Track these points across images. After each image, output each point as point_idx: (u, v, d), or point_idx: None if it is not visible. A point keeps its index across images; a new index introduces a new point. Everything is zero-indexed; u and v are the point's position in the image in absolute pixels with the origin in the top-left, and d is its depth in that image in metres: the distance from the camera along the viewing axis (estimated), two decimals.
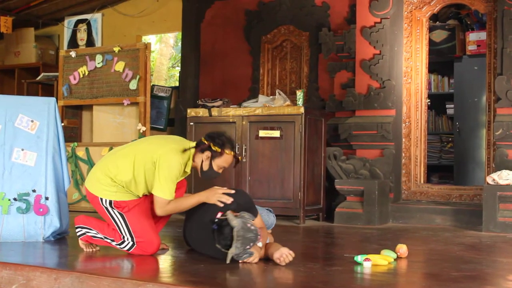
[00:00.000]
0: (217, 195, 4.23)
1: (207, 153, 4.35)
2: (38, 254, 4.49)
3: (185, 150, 4.33)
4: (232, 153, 4.40)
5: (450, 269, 3.93)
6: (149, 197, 4.44)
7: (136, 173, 4.30)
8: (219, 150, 4.33)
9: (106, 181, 4.33)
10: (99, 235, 4.48)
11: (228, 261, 3.84)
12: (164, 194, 4.21)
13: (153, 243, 4.35)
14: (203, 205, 4.30)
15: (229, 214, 3.95)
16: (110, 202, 4.34)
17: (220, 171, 4.44)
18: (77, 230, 4.53)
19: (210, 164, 4.37)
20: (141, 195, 4.40)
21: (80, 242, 4.55)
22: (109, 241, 4.46)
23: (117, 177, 4.32)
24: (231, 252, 3.84)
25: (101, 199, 4.35)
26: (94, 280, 3.44)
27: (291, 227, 6.35)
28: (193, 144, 4.40)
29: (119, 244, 4.41)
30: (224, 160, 4.37)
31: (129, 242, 4.36)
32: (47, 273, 3.61)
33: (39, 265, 3.79)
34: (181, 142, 4.44)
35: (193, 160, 4.38)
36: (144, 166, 4.28)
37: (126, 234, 4.35)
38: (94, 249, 4.54)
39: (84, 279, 3.48)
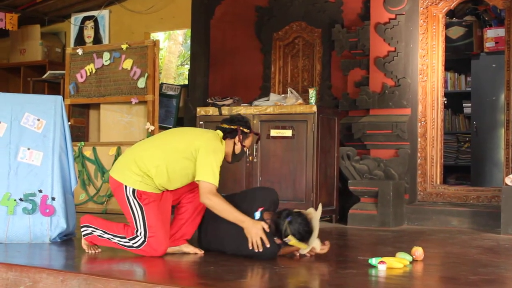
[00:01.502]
0: (258, 235, 4.16)
1: (239, 137, 4.52)
2: (44, 255, 4.46)
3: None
4: (253, 133, 4.68)
5: (467, 272, 3.89)
6: (169, 199, 4.47)
7: (170, 163, 4.31)
8: (247, 131, 4.57)
9: (134, 169, 4.32)
10: (106, 235, 4.41)
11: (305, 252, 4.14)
12: (210, 178, 4.21)
13: (162, 243, 4.30)
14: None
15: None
16: (133, 191, 4.31)
17: (245, 149, 4.66)
18: (82, 229, 4.46)
19: (242, 146, 4.56)
20: (168, 188, 4.41)
21: (83, 243, 4.49)
22: (116, 240, 4.38)
23: (147, 166, 4.32)
24: (311, 243, 4.09)
25: (125, 186, 4.32)
26: (101, 282, 3.40)
27: None
28: (221, 133, 4.54)
29: (130, 240, 4.31)
30: (250, 140, 4.62)
31: (141, 238, 4.29)
32: (54, 275, 3.58)
33: (45, 267, 3.76)
34: (212, 132, 4.57)
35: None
36: (181, 156, 4.32)
37: (140, 227, 4.28)
38: (96, 251, 4.47)
39: (92, 281, 3.44)
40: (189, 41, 12.30)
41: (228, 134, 4.51)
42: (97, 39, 9.43)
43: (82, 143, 7.95)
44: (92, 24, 9.49)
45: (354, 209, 6.59)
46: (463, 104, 8.57)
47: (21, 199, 4.88)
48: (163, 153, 4.35)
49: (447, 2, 6.88)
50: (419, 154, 6.90)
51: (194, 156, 4.30)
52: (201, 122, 7.22)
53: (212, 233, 4.48)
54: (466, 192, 6.83)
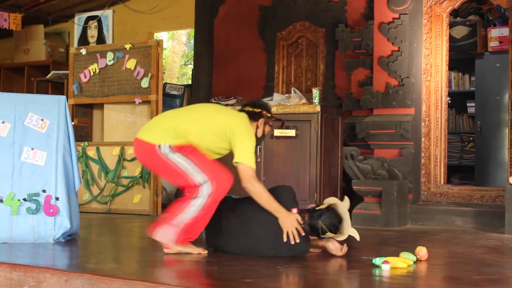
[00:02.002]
0: (293, 227, 4.18)
1: (261, 120, 4.49)
2: (48, 255, 4.43)
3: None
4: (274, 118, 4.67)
5: (471, 272, 3.86)
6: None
7: (206, 143, 4.28)
8: (270, 115, 4.55)
9: (172, 135, 4.21)
10: (179, 218, 4.18)
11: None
12: (250, 162, 4.20)
13: (228, 175, 4.22)
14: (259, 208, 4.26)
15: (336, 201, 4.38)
16: (170, 147, 4.18)
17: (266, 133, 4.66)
18: (163, 238, 4.23)
19: (263, 130, 4.55)
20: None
21: (178, 249, 4.27)
22: (191, 212, 4.17)
23: (186, 138, 4.24)
24: (347, 233, 4.27)
25: (159, 146, 4.18)
26: (105, 282, 3.38)
27: None
28: (246, 115, 4.50)
29: (200, 196, 4.13)
30: (269, 126, 4.62)
31: (205, 182, 4.13)
32: (58, 275, 3.55)
33: (49, 267, 3.73)
34: (241, 113, 4.52)
35: None
36: (217, 137, 4.29)
37: (197, 175, 4.14)
38: (202, 252, 4.28)
39: (95, 281, 3.42)
40: (192, 41, 12.32)
41: (251, 117, 4.47)
42: (101, 39, 9.40)
43: (86, 143, 7.95)
44: (96, 24, 9.47)
45: (357, 209, 6.56)
46: (467, 104, 8.54)
47: (25, 199, 4.85)
48: (199, 131, 4.28)
49: (451, 2, 6.86)
50: (423, 154, 6.87)
51: (228, 137, 4.27)
52: None
53: (238, 234, 4.34)
54: (470, 192, 6.81)
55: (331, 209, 4.34)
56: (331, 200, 4.42)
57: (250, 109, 4.50)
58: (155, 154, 4.19)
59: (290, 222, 4.16)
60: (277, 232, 4.18)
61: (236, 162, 4.23)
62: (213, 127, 4.30)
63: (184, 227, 4.19)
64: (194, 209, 4.17)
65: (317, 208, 4.37)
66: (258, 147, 6.68)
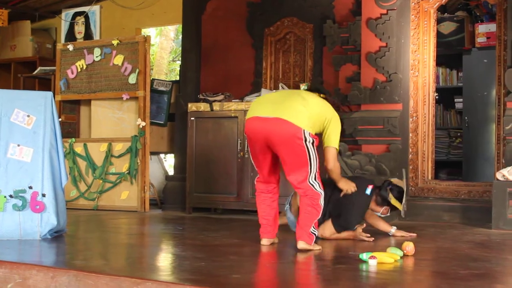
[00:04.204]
0: (350, 187, 5.07)
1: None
2: (34, 252, 4.43)
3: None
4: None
5: (458, 267, 3.88)
6: None
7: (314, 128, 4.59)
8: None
9: (302, 116, 4.47)
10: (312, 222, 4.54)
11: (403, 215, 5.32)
12: (337, 146, 4.79)
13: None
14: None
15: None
16: (309, 134, 4.46)
17: None
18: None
19: None
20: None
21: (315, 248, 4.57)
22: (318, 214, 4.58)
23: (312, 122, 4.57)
24: (404, 203, 5.23)
25: (304, 130, 4.43)
26: (92, 279, 3.37)
27: None
28: None
29: (320, 198, 4.54)
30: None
31: (316, 179, 4.52)
32: (44, 272, 3.54)
33: (35, 264, 3.71)
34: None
35: None
36: (318, 124, 4.63)
37: (313, 169, 4.48)
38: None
39: (82, 277, 3.41)
40: (180, 37, 12.27)
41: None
42: (88, 35, 9.35)
43: (73, 139, 7.92)
44: (83, 20, 9.42)
45: None
46: (455, 99, 8.54)
47: (11, 196, 4.83)
48: (313, 119, 4.57)
49: None
50: (410, 150, 6.88)
51: (325, 126, 4.67)
52: (192, 118, 7.19)
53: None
54: (457, 187, 6.82)
55: (396, 184, 5.27)
56: (395, 179, 5.40)
57: (323, 97, 5.08)
58: (297, 137, 4.41)
59: (347, 186, 5.04)
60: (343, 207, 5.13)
61: (328, 146, 4.72)
62: (319, 115, 4.62)
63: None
64: (319, 210, 4.56)
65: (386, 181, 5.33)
66: (246, 143, 6.67)
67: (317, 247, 4.50)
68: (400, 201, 5.23)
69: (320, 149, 4.66)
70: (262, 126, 4.48)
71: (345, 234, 5.12)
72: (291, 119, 4.41)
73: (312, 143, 4.43)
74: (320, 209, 4.51)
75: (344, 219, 5.10)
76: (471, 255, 4.40)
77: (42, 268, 3.57)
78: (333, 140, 4.73)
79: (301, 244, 4.43)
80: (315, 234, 4.51)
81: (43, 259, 4.31)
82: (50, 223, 4.88)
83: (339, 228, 5.11)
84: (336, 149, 4.78)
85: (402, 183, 5.30)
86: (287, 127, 4.41)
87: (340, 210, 5.13)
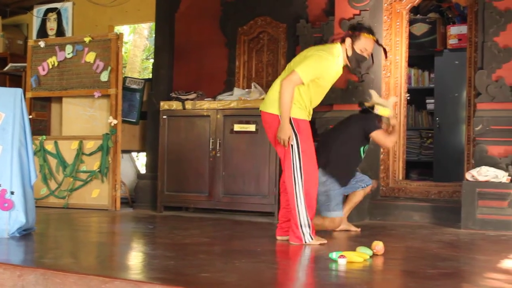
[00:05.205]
0: (286, 137, 4.64)
1: (348, 40, 4.85)
2: (2, 250, 4.35)
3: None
4: (371, 36, 4.91)
5: (426, 266, 3.90)
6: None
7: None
8: (356, 32, 4.85)
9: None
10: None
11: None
12: (301, 71, 4.62)
13: (317, 177, 4.77)
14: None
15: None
16: (290, 121, 4.64)
17: (365, 54, 4.90)
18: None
19: (353, 48, 4.84)
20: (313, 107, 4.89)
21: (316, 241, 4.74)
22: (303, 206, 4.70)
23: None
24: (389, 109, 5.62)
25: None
26: (59, 277, 3.32)
27: (266, 223, 6.30)
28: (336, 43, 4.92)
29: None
30: (364, 43, 4.86)
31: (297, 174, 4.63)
32: (11, 270, 3.48)
33: (2, 262, 3.65)
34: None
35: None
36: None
37: (295, 163, 4.63)
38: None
39: (49, 276, 3.36)
40: (154, 35, 12.19)
41: (342, 42, 4.88)
42: (60, 32, 9.25)
43: (44, 137, 7.84)
44: (55, 16, 9.32)
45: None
46: (426, 100, 8.61)
47: None
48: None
49: None
50: (382, 150, 6.91)
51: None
52: (164, 116, 7.17)
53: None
54: (428, 188, 6.88)
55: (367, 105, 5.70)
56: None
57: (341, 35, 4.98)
58: (278, 122, 4.71)
59: (284, 132, 4.62)
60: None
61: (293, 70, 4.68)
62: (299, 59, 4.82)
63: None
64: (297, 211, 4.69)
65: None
66: (218, 141, 6.67)
67: (317, 242, 4.70)
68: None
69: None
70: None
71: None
72: (268, 108, 4.72)
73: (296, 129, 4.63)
74: (297, 212, 4.65)
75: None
76: (440, 255, 4.42)
77: (8, 267, 3.51)
78: (300, 66, 4.69)
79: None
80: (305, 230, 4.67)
81: (11, 257, 4.23)
82: (19, 221, 4.83)
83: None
84: (299, 76, 4.64)
85: (372, 101, 5.66)
86: (265, 118, 4.77)
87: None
